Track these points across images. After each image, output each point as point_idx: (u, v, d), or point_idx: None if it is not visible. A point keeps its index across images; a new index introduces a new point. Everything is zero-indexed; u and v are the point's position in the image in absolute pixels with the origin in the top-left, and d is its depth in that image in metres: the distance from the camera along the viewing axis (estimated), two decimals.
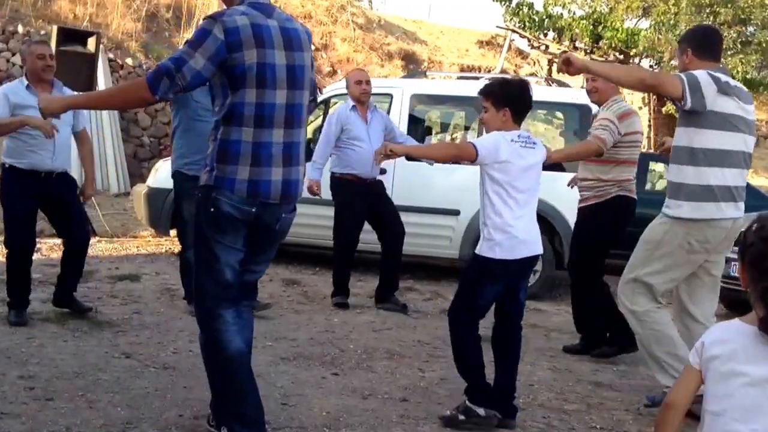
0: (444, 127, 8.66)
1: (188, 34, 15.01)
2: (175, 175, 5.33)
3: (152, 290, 6.11)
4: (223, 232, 2.87)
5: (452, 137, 8.55)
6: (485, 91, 3.58)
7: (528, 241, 3.51)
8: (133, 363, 4.15)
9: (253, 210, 2.88)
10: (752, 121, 3.80)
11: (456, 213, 7.19)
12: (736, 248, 1.90)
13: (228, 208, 2.85)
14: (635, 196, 4.95)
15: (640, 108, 15.51)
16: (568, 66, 3.57)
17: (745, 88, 3.94)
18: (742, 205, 3.75)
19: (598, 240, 4.94)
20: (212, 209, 2.85)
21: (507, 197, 3.45)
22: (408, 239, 7.04)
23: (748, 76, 16.57)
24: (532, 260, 3.59)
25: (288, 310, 5.84)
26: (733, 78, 3.78)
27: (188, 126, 5.24)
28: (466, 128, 8.31)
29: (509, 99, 3.52)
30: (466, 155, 3.51)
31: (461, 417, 3.49)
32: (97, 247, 8.10)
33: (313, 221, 6.68)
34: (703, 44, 3.80)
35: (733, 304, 6.97)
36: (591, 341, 5.07)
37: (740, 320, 1.80)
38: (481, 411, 3.47)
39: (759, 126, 23.10)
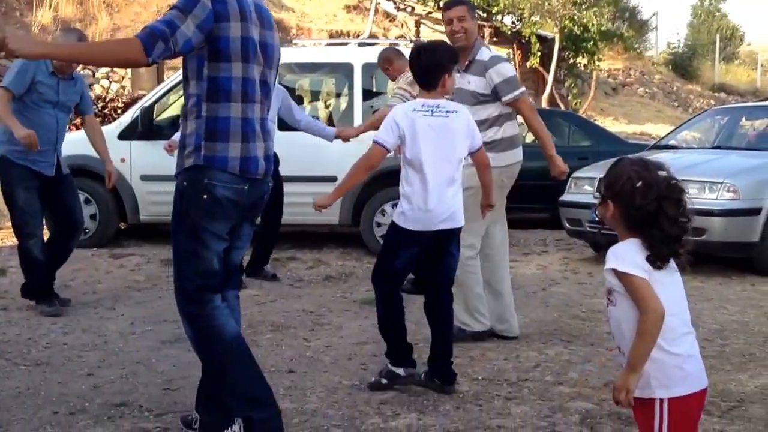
0: (315, 96, 8.58)
1: (42, 14, 14.12)
2: (1, 160, 4.89)
3: (20, 283, 5.74)
4: (214, 219, 2.75)
5: (325, 105, 8.50)
6: None
7: (442, 214, 3.41)
8: (1, 363, 3.94)
9: (246, 187, 2.79)
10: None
11: (333, 180, 7.17)
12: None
13: (223, 192, 2.73)
14: None
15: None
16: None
17: None
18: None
19: None
20: (205, 196, 2.72)
21: (417, 168, 3.39)
22: (288, 208, 7.03)
23: (603, 28, 17.35)
24: (448, 233, 3.48)
25: (168, 291, 5.63)
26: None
27: (26, 115, 4.75)
28: (338, 95, 8.27)
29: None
30: (379, 159, 3.41)
31: (384, 381, 3.49)
32: None
33: None
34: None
35: (598, 246, 7.56)
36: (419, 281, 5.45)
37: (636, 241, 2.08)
38: (400, 371, 3.48)
39: (616, 74, 24.30)
